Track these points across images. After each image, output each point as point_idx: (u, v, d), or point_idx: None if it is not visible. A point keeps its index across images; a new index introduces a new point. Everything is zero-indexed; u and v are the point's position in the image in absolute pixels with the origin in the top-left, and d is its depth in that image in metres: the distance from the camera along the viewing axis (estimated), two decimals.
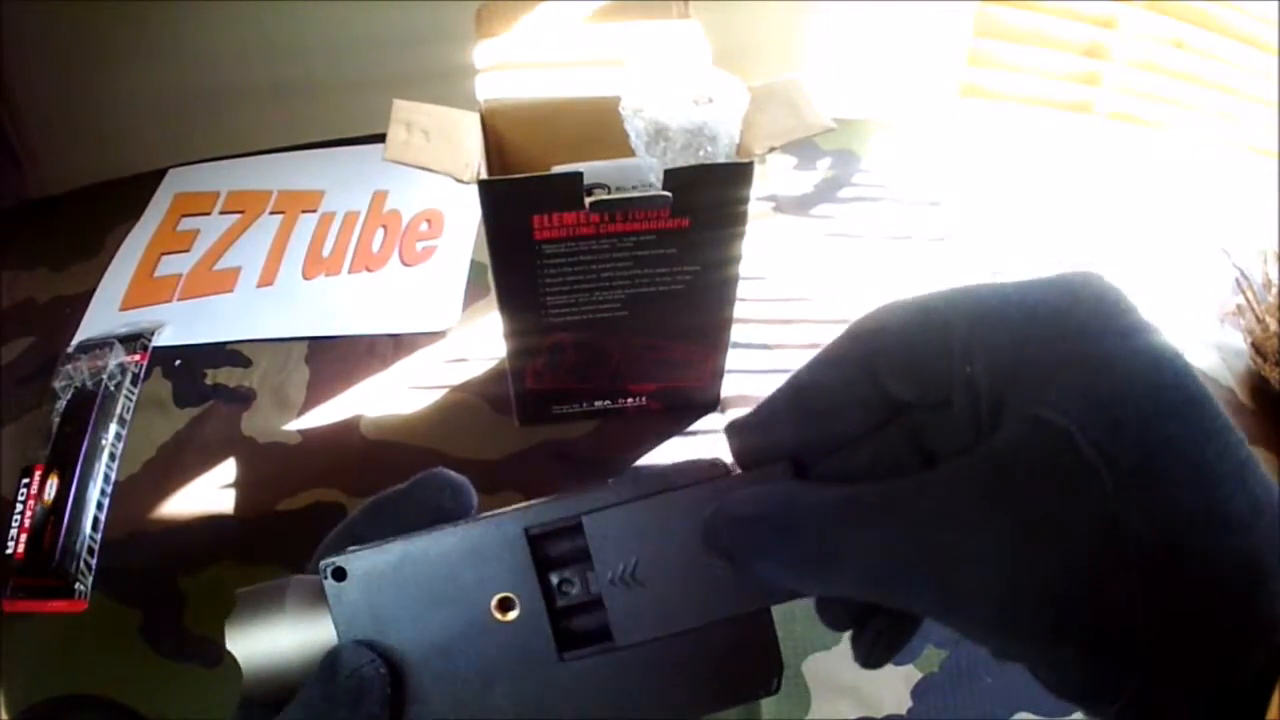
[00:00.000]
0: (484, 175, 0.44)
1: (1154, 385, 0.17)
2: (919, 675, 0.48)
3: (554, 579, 0.23)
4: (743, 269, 0.49)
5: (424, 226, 0.74)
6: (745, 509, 0.21)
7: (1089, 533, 0.17)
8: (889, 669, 0.48)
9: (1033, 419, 0.18)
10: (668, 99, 0.45)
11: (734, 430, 0.24)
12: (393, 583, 0.23)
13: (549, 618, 0.23)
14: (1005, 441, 0.18)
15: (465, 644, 0.23)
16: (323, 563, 0.23)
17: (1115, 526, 0.16)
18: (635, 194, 0.44)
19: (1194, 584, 0.16)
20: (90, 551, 0.54)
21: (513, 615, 0.23)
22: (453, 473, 0.24)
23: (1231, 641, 0.16)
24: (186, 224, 0.76)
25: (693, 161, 0.44)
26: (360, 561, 0.23)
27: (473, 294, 0.68)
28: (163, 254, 0.73)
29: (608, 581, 0.23)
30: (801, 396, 0.22)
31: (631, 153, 0.46)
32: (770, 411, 0.23)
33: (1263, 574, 0.16)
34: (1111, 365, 0.18)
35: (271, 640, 0.23)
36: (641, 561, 0.23)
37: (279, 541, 0.54)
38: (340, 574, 0.23)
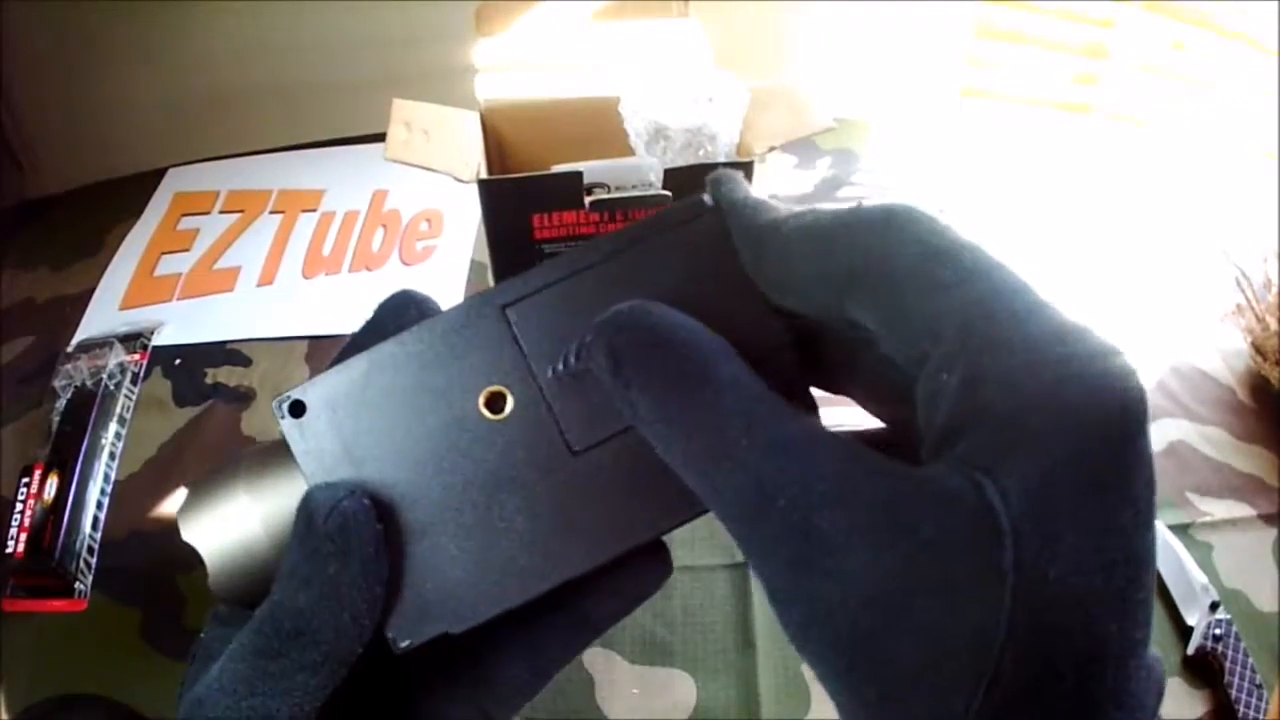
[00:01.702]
0: (484, 175, 0.44)
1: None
2: None
3: (548, 364, 0.20)
4: None
5: (424, 226, 0.74)
6: (662, 331, 0.18)
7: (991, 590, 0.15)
8: None
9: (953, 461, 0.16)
10: (668, 99, 0.45)
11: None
12: (361, 404, 0.20)
13: (549, 408, 0.20)
14: (941, 478, 0.16)
15: (458, 457, 0.20)
16: (274, 401, 0.20)
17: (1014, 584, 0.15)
18: (635, 193, 0.44)
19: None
20: (90, 551, 0.54)
21: (506, 412, 0.20)
22: (419, 291, 0.22)
23: None
24: (186, 223, 0.76)
25: (692, 161, 0.45)
26: (319, 388, 0.20)
27: (472, 294, 0.68)
28: (163, 253, 0.73)
29: (548, 376, 0.20)
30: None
31: (631, 152, 0.46)
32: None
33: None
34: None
35: (232, 519, 0.20)
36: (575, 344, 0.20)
37: None
38: (298, 409, 0.20)
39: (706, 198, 0.20)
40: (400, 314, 0.21)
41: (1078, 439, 0.15)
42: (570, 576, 0.19)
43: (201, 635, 0.22)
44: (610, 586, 0.22)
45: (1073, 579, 0.15)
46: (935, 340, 0.17)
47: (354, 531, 0.19)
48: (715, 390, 0.17)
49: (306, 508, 0.19)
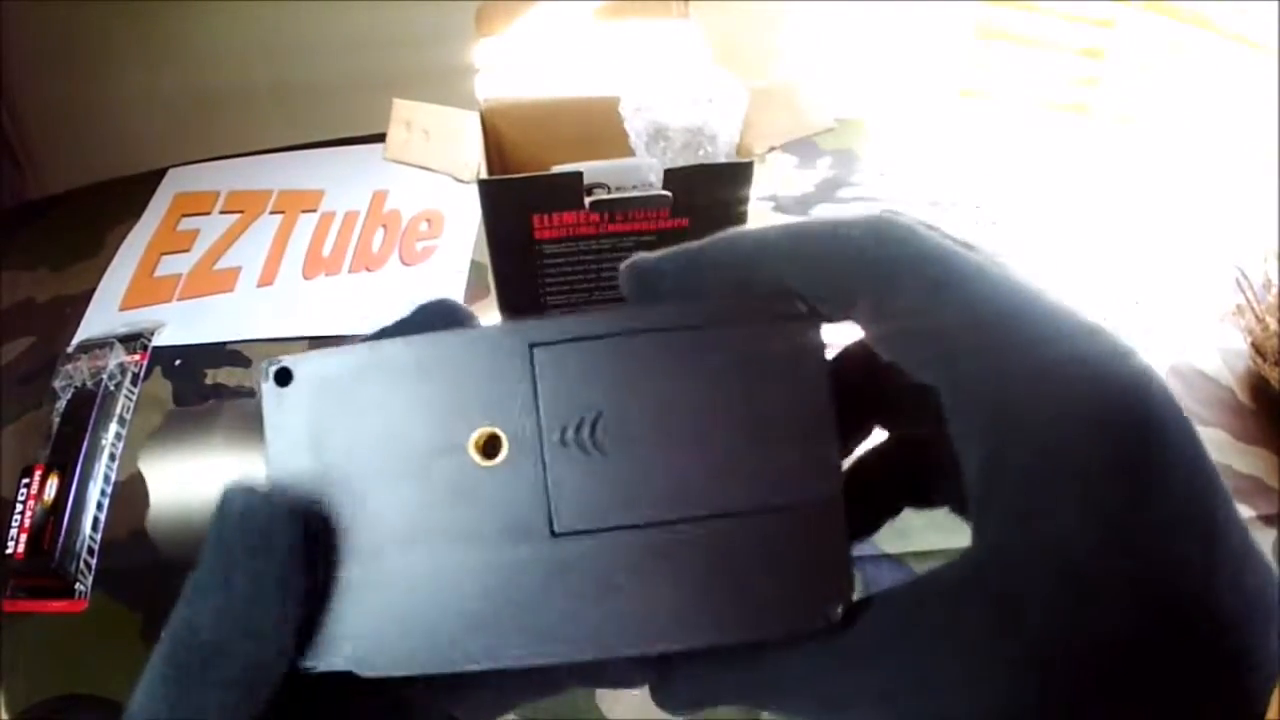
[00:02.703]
0: (484, 175, 0.44)
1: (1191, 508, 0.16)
2: None
3: (560, 424, 0.17)
4: None
5: (424, 226, 0.74)
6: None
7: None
8: None
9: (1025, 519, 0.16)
10: (668, 99, 0.45)
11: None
12: (348, 394, 0.18)
13: (544, 471, 0.17)
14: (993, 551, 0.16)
15: (428, 489, 0.17)
16: (265, 362, 0.18)
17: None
18: (635, 194, 0.44)
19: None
20: (90, 551, 0.54)
21: (496, 460, 0.17)
22: (462, 305, 0.20)
23: None
24: (186, 224, 0.76)
25: (693, 161, 0.44)
26: (311, 364, 0.18)
27: (473, 294, 0.68)
28: (163, 254, 0.73)
29: (556, 440, 0.17)
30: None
31: (631, 153, 0.46)
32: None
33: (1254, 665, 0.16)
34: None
35: (191, 463, 0.18)
36: (606, 416, 0.17)
37: None
38: (284, 377, 0.18)
39: (800, 305, 0.18)
40: (434, 321, 0.20)
41: (1110, 463, 0.16)
42: (501, 667, 0.17)
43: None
44: None
45: (1153, 575, 0.15)
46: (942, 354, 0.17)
47: (272, 540, 0.17)
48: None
49: (221, 510, 0.17)
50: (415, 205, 0.75)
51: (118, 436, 0.60)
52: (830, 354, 0.20)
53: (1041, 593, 0.15)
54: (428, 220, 0.74)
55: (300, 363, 0.18)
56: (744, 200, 0.45)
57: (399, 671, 0.17)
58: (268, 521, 0.17)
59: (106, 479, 0.58)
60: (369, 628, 0.18)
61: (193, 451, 0.19)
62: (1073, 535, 0.15)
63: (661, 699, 0.20)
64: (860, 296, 0.18)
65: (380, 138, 0.44)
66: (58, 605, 0.52)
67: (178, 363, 0.65)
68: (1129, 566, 0.15)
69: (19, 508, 0.56)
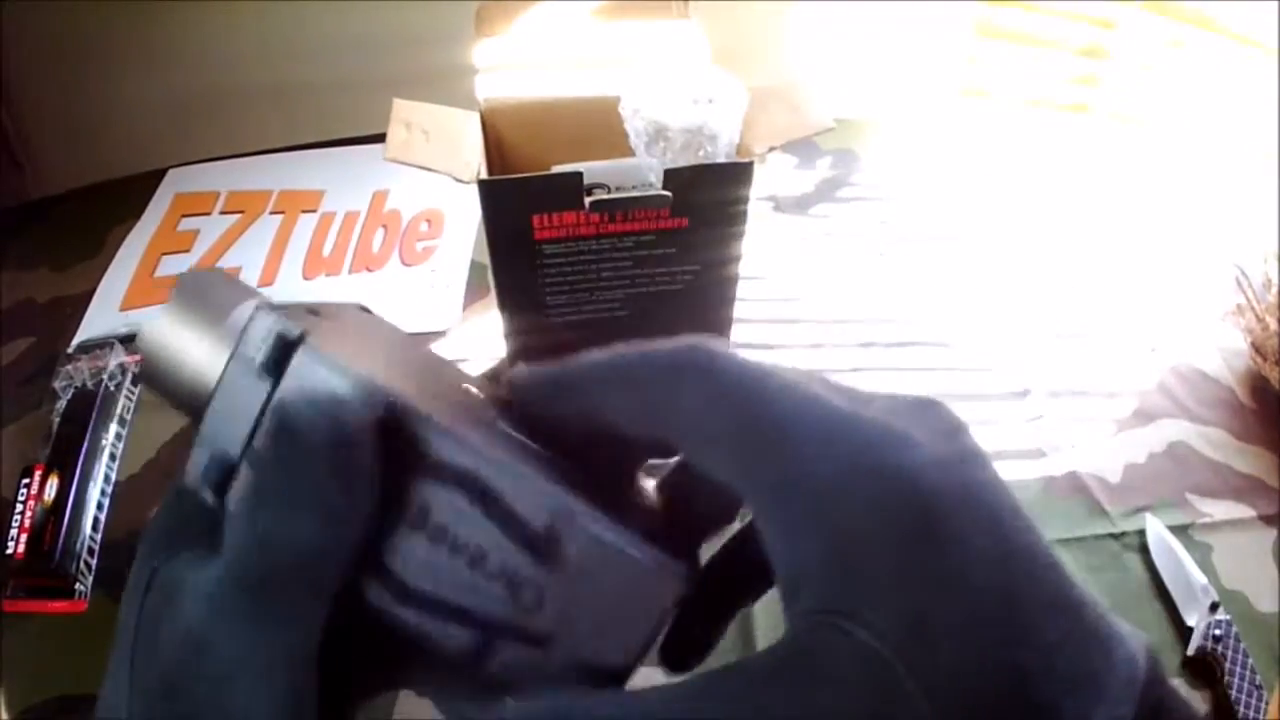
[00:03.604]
0: (484, 175, 0.43)
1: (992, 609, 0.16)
2: None
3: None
4: (743, 269, 0.49)
5: (424, 226, 0.74)
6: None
7: None
8: None
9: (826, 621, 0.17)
10: (667, 99, 0.45)
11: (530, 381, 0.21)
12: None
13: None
14: (809, 643, 0.17)
15: None
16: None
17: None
18: (635, 194, 0.44)
19: None
20: (90, 551, 0.54)
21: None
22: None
23: None
24: (187, 224, 0.76)
25: (693, 161, 0.44)
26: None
27: (473, 294, 0.68)
28: (163, 254, 0.73)
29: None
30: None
31: (631, 153, 0.46)
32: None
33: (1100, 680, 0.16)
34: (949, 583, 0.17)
35: (191, 343, 0.19)
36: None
37: None
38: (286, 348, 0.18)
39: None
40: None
41: (900, 553, 0.17)
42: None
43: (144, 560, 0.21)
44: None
45: (964, 660, 0.16)
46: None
47: (357, 450, 0.17)
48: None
49: (299, 423, 0.17)
50: (415, 205, 0.75)
51: (118, 436, 0.60)
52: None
53: (848, 690, 0.16)
54: (428, 220, 0.74)
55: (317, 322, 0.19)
56: (744, 200, 0.45)
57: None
58: (358, 432, 0.17)
59: (106, 479, 0.58)
60: None
61: (198, 327, 0.19)
62: (874, 630, 0.16)
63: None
64: (666, 426, 0.20)
65: (380, 138, 0.44)
66: (58, 605, 0.52)
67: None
68: (934, 663, 0.16)
69: (19, 508, 0.56)
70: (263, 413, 0.18)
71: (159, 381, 0.20)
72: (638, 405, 0.20)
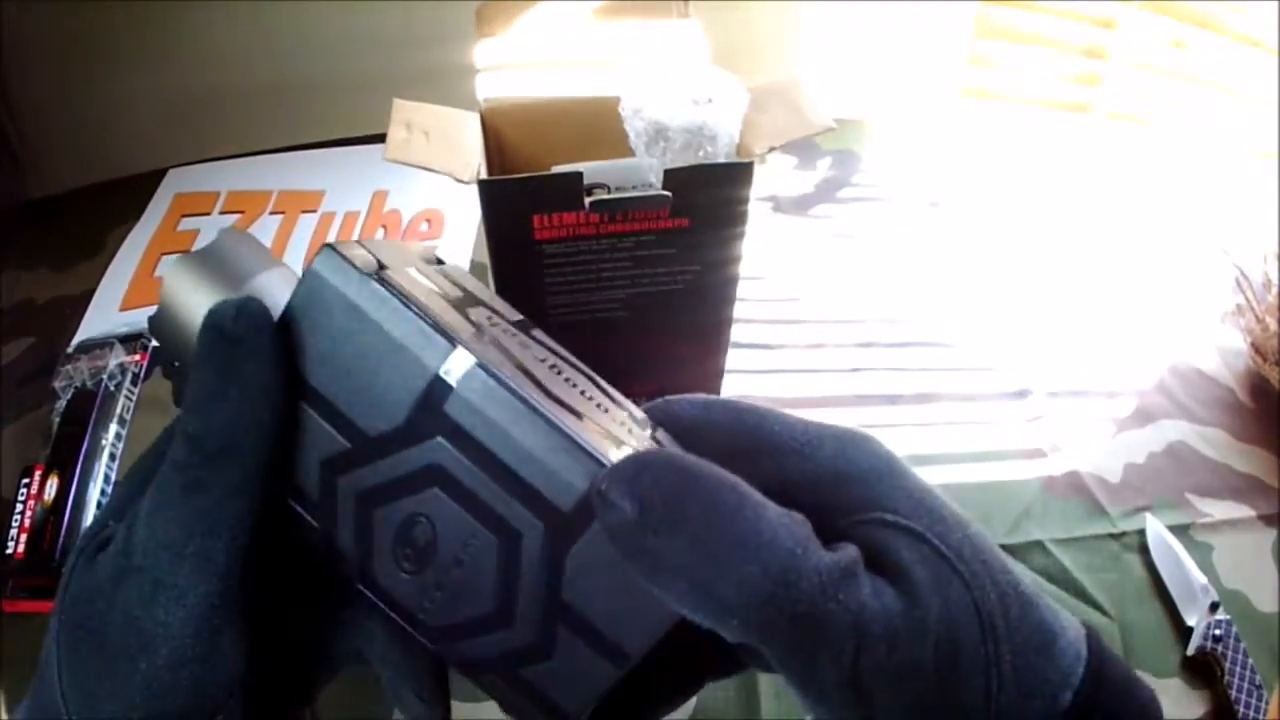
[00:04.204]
0: (484, 175, 0.43)
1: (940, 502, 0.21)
2: None
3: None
4: (743, 269, 0.49)
5: (424, 226, 0.74)
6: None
7: (964, 609, 0.19)
8: None
9: (879, 522, 0.20)
10: (667, 99, 0.45)
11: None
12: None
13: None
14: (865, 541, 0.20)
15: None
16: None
17: (978, 606, 0.19)
18: (635, 194, 0.44)
19: (1026, 643, 0.19)
20: None
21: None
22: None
23: (1057, 679, 0.19)
24: (187, 224, 0.76)
25: (693, 161, 0.44)
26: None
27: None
28: (163, 254, 0.73)
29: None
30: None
31: (631, 153, 0.46)
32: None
33: (1053, 634, 0.19)
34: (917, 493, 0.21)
35: (204, 297, 0.21)
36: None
37: None
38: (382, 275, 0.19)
39: None
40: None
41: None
42: None
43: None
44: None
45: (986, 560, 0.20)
46: None
47: (261, 328, 0.19)
48: (754, 520, 0.18)
49: (212, 320, 0.20)
50: (415, 205, 0.75)
51: (118, 436, 0.60)
52: None
53: (914, 563, 0.19)
54: (428, 220, 0.74)
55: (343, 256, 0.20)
56: (744, 200, 0.45)
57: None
58: (259, 313, 0.19)
59: (106, 479, 0.58)
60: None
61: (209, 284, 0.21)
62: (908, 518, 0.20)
63: None
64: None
65: (380, 138, 0.44)
66: None
67: (177, 363, 0.65)
68: (954, 538, 0.20)
69: (19, 508, 0.56)
70: (414, 261, 0.22)
71: (168, 325, 0.21)
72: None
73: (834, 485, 0.20)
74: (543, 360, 0.22)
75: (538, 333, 0.23)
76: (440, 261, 0.23)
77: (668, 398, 0.22)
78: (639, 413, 0.22)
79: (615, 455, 0.19)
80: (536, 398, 0.19)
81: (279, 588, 0.22)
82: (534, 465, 0.19)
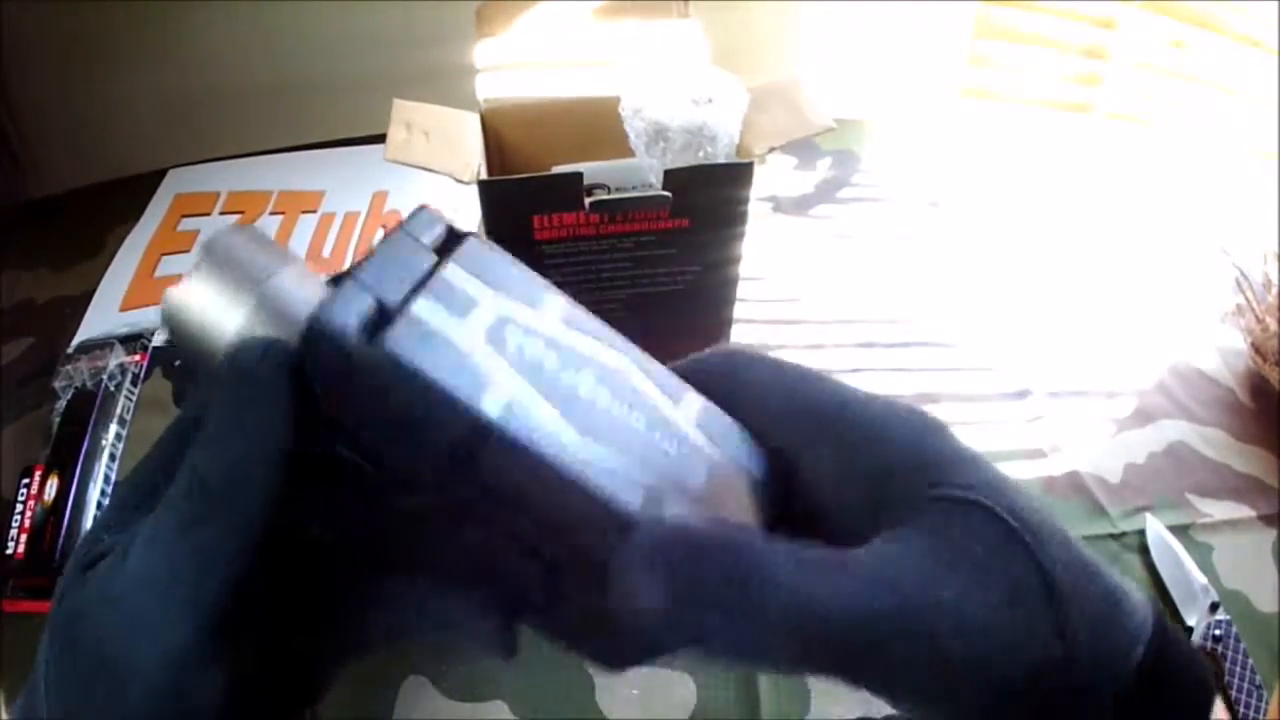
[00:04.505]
0: (484, 175, 0.44)
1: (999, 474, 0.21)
2: None
3: None
4: (743, 269, 0.49)
5: None
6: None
7: (1037, 586, 0.19)
8: None
9: (946, 499, 0.20)
10: (667, 99, 0.45)
11: None
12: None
13: None
14: (933, 519, 0.20)
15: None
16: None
17: (1048, 579, 0.19)
18: (635, 194, 0.44)
19: (1093, 606, 0.20)
20: None
21: None
22: None
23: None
24: (187, 224, 0.76)
25: (693, 162, 0.44)
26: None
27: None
28: (163, 254, 0.73)
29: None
30: None
31: (631, 153, 0.46)
32: None
33: (1118, 596, 0.20)
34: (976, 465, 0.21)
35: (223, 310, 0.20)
36: None
37: None
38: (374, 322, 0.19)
39: None
40: None
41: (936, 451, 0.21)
42: None
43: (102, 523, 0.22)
44: None
45: (1051, 530, 0.20)
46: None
47: (280, 374, 0.19)
48: (770, 569, 0.19)
49: (235, 360, 0.19)
50: (415, 205, 0.75)
51: (118, 437, 0.60)
52: None
53: (981, 536, 0.20)
54: None
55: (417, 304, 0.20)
56: (744, 200, 0.45)
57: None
58: (275, 374, 0.19)
59: (106, 479, 0.58)
60: None
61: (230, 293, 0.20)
62: (970, 489, 0.20)
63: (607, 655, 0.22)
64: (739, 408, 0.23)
65: (380, 138, 0.44)
66: None
67: (178, 363, 0.65)
68: (1018, 507, 0.20)
69: (19, 508, 0.56)
70: (429, 274, 0.20)
71: (182, 330, 0.21)
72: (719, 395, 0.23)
73: (902, 466, 0.21)
74: (579, 366, 0.21)
75: (564, 304, 0.22)
76: (454, 236, 0.22)
77: (726, 352, 0.24)
78: (687, 392, 0.22)
79: (638, 500, 0.19)
80: (564, 443, 0.19)
81: (289, 582, 0.22)
82: (564, 515, 0.19)
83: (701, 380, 0.23)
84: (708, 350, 0.24)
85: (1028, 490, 0.21)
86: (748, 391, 0.23)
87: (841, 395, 0.22)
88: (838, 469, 0.21)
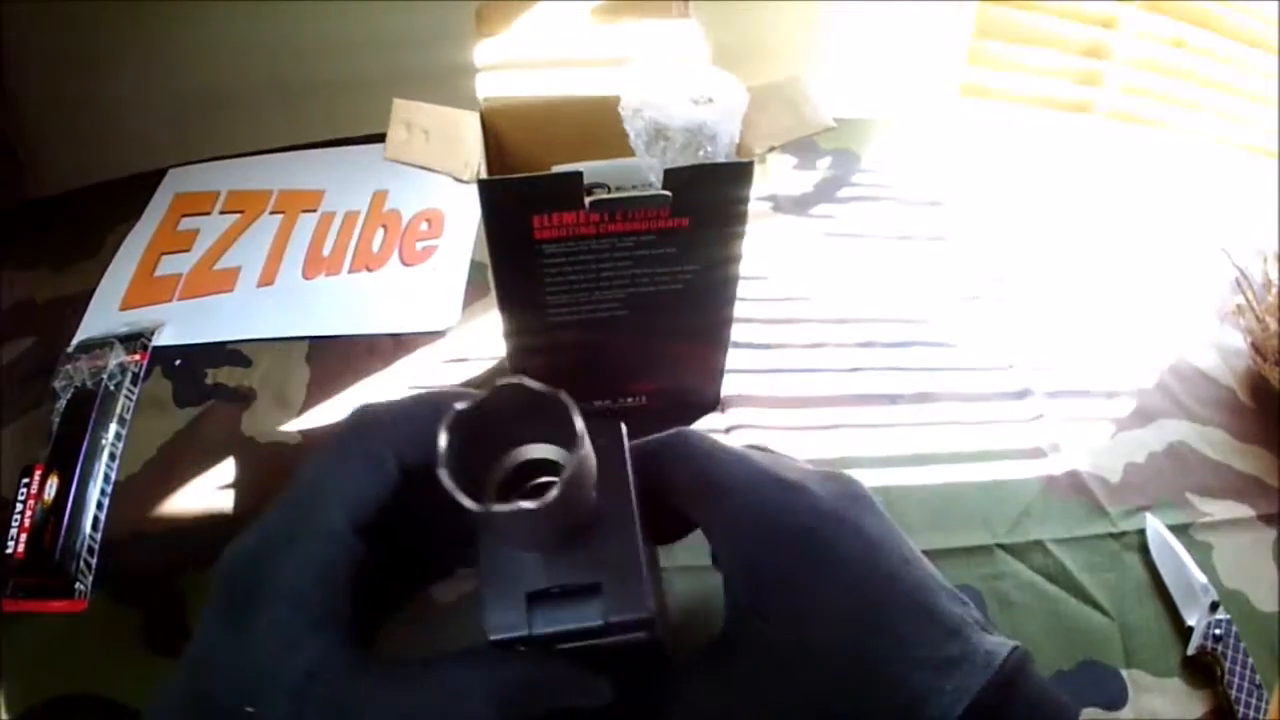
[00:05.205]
0: (484, 175, 0.43)
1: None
2: None
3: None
4: (743, 269, 0.49)
5: (424, 226, 0.74)
6: None
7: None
8: None
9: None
10: (667, 99, 0.45)
11: None
12: None
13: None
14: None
15: None
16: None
17: None
18: (635, 194, 0.44)
19: None
20: (90, 551, 0.54)
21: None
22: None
23: None
24: (186, 224, 0.76)
25: (693, 161, 0.44)
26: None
27: (473, 294, 0.68)
28: (163, 254, 0.73)
29: None
30: None
31: (631, 153, 0.46)
32: None
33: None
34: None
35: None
36: None
37: None
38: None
39: None
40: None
41: (790, 567, 0.28)
42: None
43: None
44: None
45: (831, 641, 0.27)
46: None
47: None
48: None
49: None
50: (415, 205, 0.75)
51: (118, 436, 0.60)
52: None
53: (757, 662, 0.27)
54: (428, 220, 0.74)
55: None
56: (744, 200, 0.45)
57: None
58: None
59: (107, 479, 0.58)
60: None
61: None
62: (770, 620, 0.27)
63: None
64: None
65: (380, 138, 0.44)
66: (58, 605, 0.52)
67: (178, 363, 0.65)
68: (809, 642, 0.26)
69: (19, 508, 0.56)
70: None
71: None
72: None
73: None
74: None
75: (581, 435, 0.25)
76: (545, 396, 0.25)
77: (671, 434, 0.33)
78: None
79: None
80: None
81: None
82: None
83: (639, 462, 0.30)
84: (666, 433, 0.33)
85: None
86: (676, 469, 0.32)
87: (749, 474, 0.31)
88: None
